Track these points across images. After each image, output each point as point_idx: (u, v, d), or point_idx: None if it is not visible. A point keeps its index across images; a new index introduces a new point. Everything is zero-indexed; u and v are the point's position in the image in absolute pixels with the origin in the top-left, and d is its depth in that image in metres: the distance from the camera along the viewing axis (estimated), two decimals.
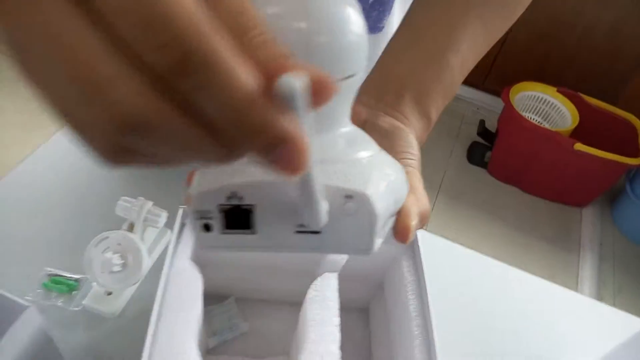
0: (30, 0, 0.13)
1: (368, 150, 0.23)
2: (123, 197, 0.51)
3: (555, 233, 1.82)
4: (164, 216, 0.51)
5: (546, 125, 1.84)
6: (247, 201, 0.20)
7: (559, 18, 1.82)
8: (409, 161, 0.28)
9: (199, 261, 0.41)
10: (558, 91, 1.82)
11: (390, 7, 0.46)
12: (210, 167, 0.21)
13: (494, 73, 2.01)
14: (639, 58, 1.81)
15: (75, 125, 0.15)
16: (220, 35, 0.13)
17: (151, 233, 0.54)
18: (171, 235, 0.55)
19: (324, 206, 0.19)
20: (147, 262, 0.50)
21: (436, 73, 0.34)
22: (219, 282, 0.45)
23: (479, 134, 1.96)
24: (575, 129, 1.74)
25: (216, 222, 0.20)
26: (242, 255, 0.44)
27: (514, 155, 1.83)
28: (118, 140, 0.14)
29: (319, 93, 0.15)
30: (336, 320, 0.39)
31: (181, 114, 0.14)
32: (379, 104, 0.32)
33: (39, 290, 0.50)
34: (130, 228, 0.50)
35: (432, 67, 0.34)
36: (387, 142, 0.29)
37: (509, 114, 1.75)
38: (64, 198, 0.57)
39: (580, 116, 1.76)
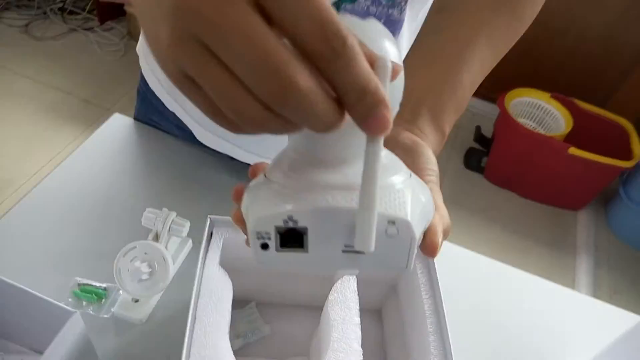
0: None
1: (400, 175, 0.26)
2: (148, 209, 0.54)
3: (551, 236, 1.85)
4: (187, 226, 0.54)
5: (541, 131, 1.88)
6: (301, 224, 0.23)
7: (552, 25, 1.87)
8: (430, 177, 0.31)
9: (227, 267, 0.44)
10: (552, 97, 1.87)
11: (400, 27, 0.49)
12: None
13: (490, 80, 2.04)
14: (630, 63, 1.86)
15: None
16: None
17: (174, 242, 0.56)
18: (191, 244, 0.59)
19: (374, 231, 0.22)
20: (173, 270, 0.53)
21: (450, 90, 0.37)
22: (242, 288, 0.48)
23: (475, 139, 2.00)
24: (569, 133, 1.78)
25: (272, 242, 0.23)
26: None
27: (509, 161, 1.87)
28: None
29: (393, 73, 0.22)
30: (357, 319, 0.42)
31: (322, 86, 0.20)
32: (397, 120, 0.35)
33: (70, 299, 0.52)
34: (156, 238, 0.53)
35: (446, 85, 0.37)
36: (409, 158, 0.31)
37: (505, 119, 1.79)
38: (91, 210, 0.60)
39: (573, 121, 1.81)
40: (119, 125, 0.69)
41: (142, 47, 0.66)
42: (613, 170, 1.74)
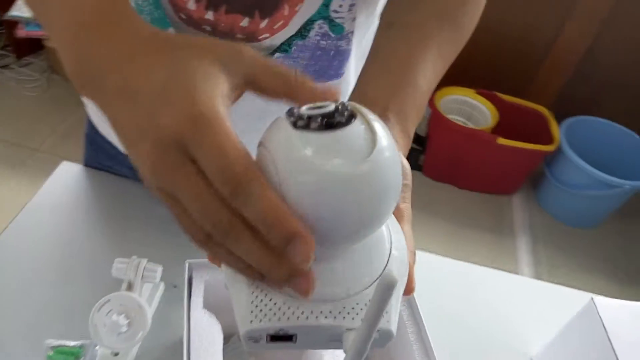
0: None
1: (383, 257, 0.28)
2: (117, 259, 0.53)
3: (490, 222, 1.97)
4: (159, 271, 0.54)
5: (470, 125, 2.00)
6: (291, 332, 0.26)
7: None
8: (405, 196, 0.32)
9: (212, 308, 0.45)
10: (477, 92, 1.99)
11: (348, 56, 0.52)
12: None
13: None
14: (540, 55, 2.01)
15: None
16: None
17: (147, 287, 0.56)
18: (163, 286, 0.58)
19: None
20: (150, 317, 0.53)
21: (411, 96, 0.39)
22: (226, 324, 0.49)
23: None
24: (496, 125, 1.90)
25: (263, 340, 0.26)
26: None
27: (445, 156, 1.97)
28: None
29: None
30: None
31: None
32: None
33: None
34: (129, 287, 0.53)
35: (408, 90, 0.39)
36: None
37: (436, 118, 1.89)
38: (56, 268, 0.58)
39: (498, 113, 1.93)
40: (69, 174, 0.67)
41: None
42: (538, 154, 1.88)
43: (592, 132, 1.96)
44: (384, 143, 0.25)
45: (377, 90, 0.39)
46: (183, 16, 0.46)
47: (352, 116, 0.25)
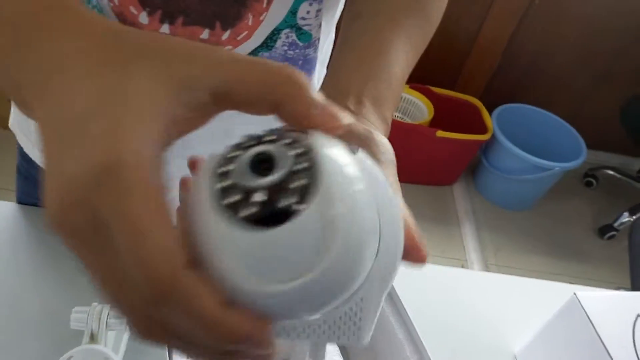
0: None
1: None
2: (75, 308, 0.47)
3: (435, 212, 2.02)
4: None
5: (408, 120, 2.03)
6: None
7: None
8: (391, 172, 0.29)
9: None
10: (410, 87, 2.03)
11: (315, 65, 0.50)
12: None
13: None
14: (465, 47, 2.09)
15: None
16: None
17: (111, 335, 0.51)
18: (129, 333, 0.53)
19: None
20: None
21: (386, 82, 0.37)
22: None
23: None
24: (433, 118, 1.95)
25: None
26: None
27: None
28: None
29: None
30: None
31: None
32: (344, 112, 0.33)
33: None
34: (92, 338, 0.47)
35: (382, 77, 0.37)
36: (365, 149, 0.29)
37: None
38: (2, 325, 0.51)
39: (434, 106, 1.99)
40: (1, 215, 0.60)
41: (16, 121, 0.57)
42: (475, 144, 1.95)
43: (520, 118, 2.06)
44: (348, 232, 0.19)
45: (350, 79, 0.36)
46: None
47: (306, 188, 0.19)
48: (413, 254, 0.24)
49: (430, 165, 2.03)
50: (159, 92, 0.19)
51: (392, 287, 0.48)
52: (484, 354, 0.59)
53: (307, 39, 0.46)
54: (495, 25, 2.01)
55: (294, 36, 0.45)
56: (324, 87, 0.37)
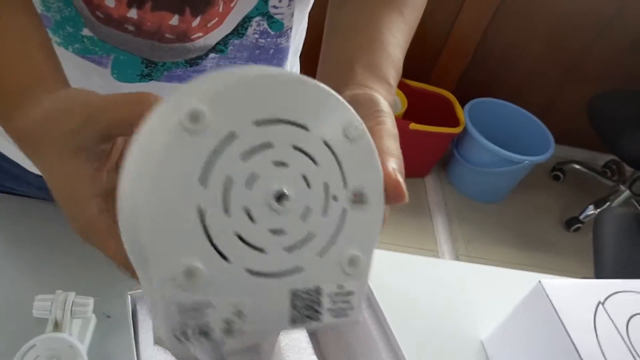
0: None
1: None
2: (38, 296, 0.46)
3: (408, 205, 2.02)
4: (91, 303, 0.47)
5: None
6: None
7: None
8: (381, 120, 0.29)
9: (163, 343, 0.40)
10: None
11: (288, 53, 0.49)
12: None
13: None
14: (439, 41, 2.11)
15: None
16: None
17: (76, 324, 0.49)
18: (95, 319, 0.52)
19: None
20: (85, 356, 0.46)
21: (380, 47, 0.35)
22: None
23: None
24: (407, 110, 1.97)
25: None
26: None
27: None
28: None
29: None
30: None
31: None
32: (334, 84, 0.29)
33: None
34: (56, 327, 0.46)
35: (375, 44, 0.35)
36: (357, 110, 0.27)
37: None
38: None
39: (407, 99, 2.00)
40: None
41: None
42: (447, 136, 1.98)
43: (492, 112, 2.10)
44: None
45: (342, 53, 0.35)
46: (100, 15, 0.40)
47: None
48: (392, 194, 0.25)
49: (404, 157, 2.04)
50: (71, 158, 0.28)
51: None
52: (450, 340, 0.60)
53: (279, 27, 0.45)
54: (469, 20, 2.04)
55: (265, 24, 0.44)
56: (318, 78, 0.35)
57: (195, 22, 0.42)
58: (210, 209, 0.21)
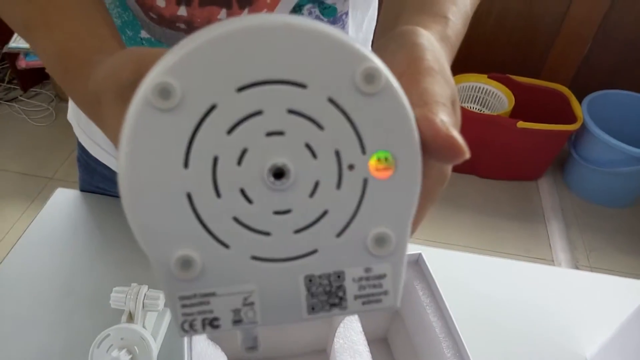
0: None
1: None
2: (116, 288, 0.49)
3: (518, 209, 1.89)
4: (162, 298, 0.49)
5: (486, 112, 1.92)
6: None
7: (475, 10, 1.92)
8: (425, 63, 0.22)
9: (215, 338, 0.40)
10: (489, 77, 1.91)
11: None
12: None
13: None
14: (551, 32, 1.93)
15: None
16: None
17: (151, 317, 0.51)
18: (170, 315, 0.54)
19: None
20: (156, 349, 0.48)
21: (439, 15, 0.28)
22: (234, 352, 0.44)
23: None
24: (514, 108, 1.82)
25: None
26: None
27: None
28: None
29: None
30: None
31: None
32: (378, 42, 0.26)
33: None
34: (130, 318, 0.48)
35: (434, 9, 0.29)
36: (400, 54, 0.23)
37: None
38: (50, 302, 0.54)
39: (514, 96, 1.85)
40: (64, 201, 0.63)
41: (73, 114, 0.60)
42: (562, 135, 1.79)
43: (616, 105, 1.86)
44: None
45: (393, 22, 0.28)
46: (153, 15, 0.42)
47: None
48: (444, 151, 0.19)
49: (512, 159, 1.90)
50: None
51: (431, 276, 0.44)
52: (551, 357, 0.53)
53: (332, 13, 0.43)
54: (586, 4, 1.84)
55: (317, 11, 0.42)
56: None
57: (244, 14, 0.41)
58: (200, 193, 0.19)
